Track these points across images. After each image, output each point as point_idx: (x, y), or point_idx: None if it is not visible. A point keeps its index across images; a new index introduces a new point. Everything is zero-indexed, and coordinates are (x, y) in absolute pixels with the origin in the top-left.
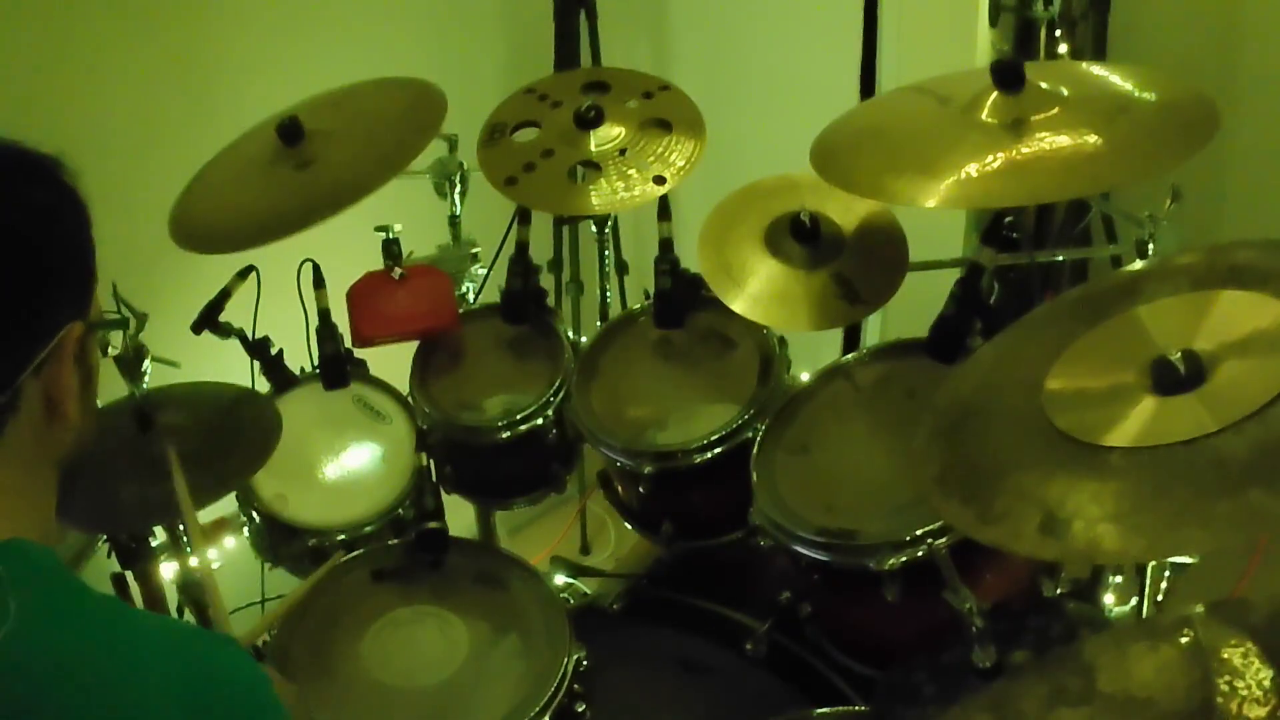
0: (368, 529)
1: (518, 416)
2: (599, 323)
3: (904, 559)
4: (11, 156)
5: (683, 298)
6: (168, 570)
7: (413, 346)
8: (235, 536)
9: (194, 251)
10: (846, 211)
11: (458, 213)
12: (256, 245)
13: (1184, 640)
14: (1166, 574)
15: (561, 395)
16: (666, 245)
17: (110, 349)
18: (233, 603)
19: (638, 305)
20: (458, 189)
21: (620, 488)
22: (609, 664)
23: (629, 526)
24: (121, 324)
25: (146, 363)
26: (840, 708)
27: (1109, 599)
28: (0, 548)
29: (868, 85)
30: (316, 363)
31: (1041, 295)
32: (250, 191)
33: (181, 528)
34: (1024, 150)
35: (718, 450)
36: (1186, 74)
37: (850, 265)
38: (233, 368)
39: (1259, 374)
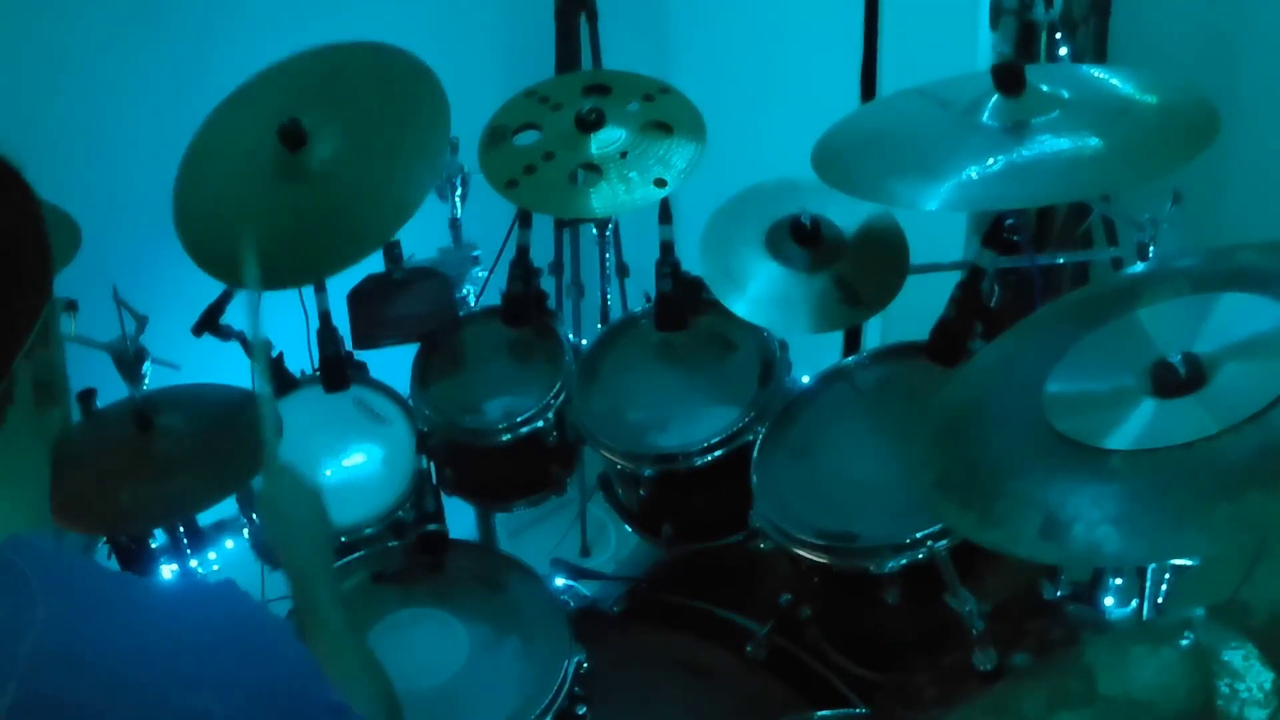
0: (368, 531)
1: (518, 419)
2: (600, 325)
3: (904, 562)
4: None
5: (684, 300)
6: (167, 571)
7: (413, 349)
8: (235, 539)
9: (208, 273)
10: (847, 214)
11: (458, 215)
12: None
13: (1184, 643)
14: (1167, 576)
15: (562, 398)
16: (667, 248)
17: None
18: None
19: (638, 308)
20: (458, 191)
21: (621, 490)
22: (609, 666)
23: (629, 529)
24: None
25: (146, 364)
26: (841, 710)
27: (1109, 601)
28: (10, 543)
29: (868, 88)
30: (317, 365)
31: (1042, 298)
32: (254, 208)
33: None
34: (1025, 153)
35: (718, 453)
36: (1187, 77)
37: (851, 268)
38: (233, 370)
39: (1259, 376)
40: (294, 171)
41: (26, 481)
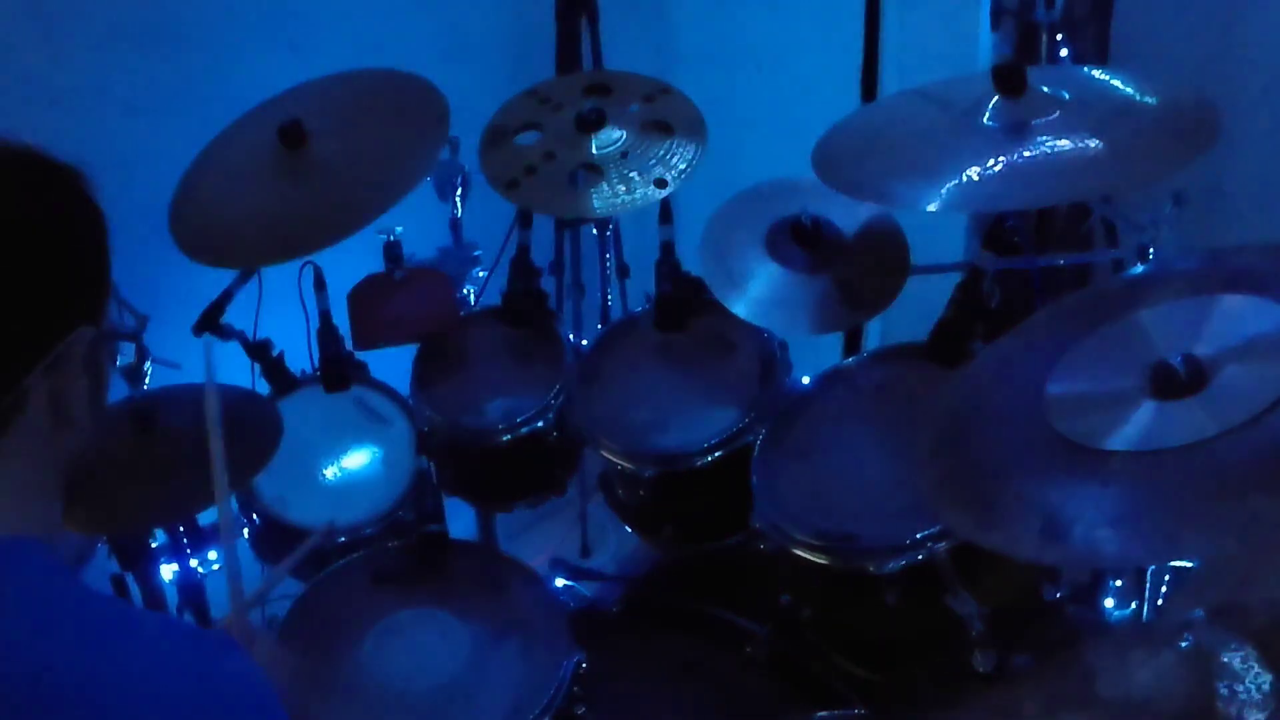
0: (368, 531)
1: (518, 420)
2: (600, 326)
3: (904, 563)
4: (32, 159)
5: (684, 301)
6: (167, 571)
7: (413, 349)
8: (235, 539)
9: (195, 260)
10: (848, 215)
11: (459, 215)
12: (259, 265)
13: (1184, 645)
14: (1167, 578)
15: (562, 398)
16: (668, 248)
17: (119, 358)
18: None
19: (639, 308)
20: (459, 191)
21: (621, 491)
22: (609, 667)
23: (630, 529)
24: (133, 337)
25: (147, 364)
26: (840, 711)
27: (1109, 603)
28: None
29: (869, 89)
30: (317, 365)
31: (1042, 299)
32: (252, 201)
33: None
34: (1025, 154)
35: (718, 454)
36: (1188, 78)
37: (851, 269)
38: (233, 370)
39: (1260, 378)
40: (292, 166)
41: (21, 493)
